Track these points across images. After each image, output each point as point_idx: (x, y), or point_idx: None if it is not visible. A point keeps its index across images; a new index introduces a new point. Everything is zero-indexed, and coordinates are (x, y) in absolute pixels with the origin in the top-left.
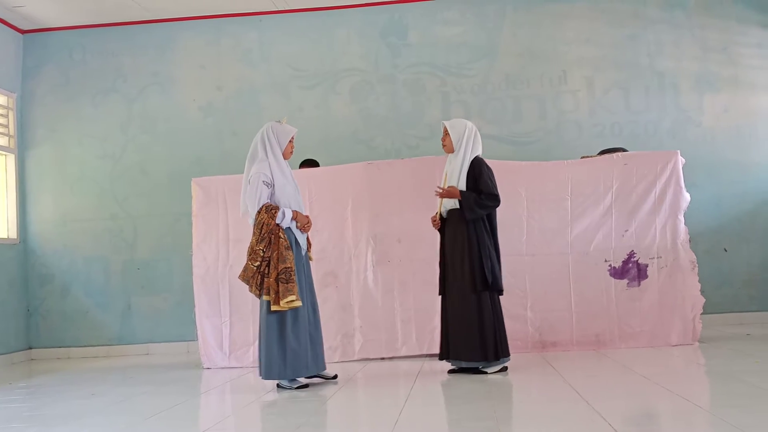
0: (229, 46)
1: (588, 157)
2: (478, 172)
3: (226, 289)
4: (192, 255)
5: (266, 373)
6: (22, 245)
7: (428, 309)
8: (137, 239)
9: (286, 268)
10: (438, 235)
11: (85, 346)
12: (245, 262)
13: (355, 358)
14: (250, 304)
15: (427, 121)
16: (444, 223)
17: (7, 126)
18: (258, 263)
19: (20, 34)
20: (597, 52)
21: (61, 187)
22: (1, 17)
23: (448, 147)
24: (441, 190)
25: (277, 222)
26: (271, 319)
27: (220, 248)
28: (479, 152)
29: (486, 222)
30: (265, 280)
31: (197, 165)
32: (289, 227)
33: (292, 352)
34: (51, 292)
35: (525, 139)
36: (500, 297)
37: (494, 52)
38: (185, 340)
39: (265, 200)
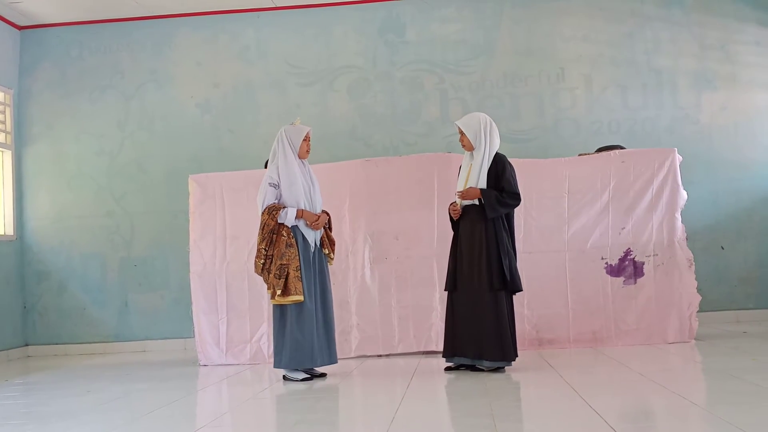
0: (227, 42)
1: (585, 154)
2: (501, 168)
3: (223, 287)
4: (189, 252)
5: (274, 362)
6: (19, 242)
7: (425, 306)
8: (134, 236)
9: (281, 264)
10: (435, 231)
11: (81, 343)
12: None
13: (352, 355)
14: (247, 302)
15: (425, 118)
16: (459, 218)
17: (4, 122)
18: (263, 261)
19: (17, 31)
20: (595, 50)
21: (58, 183)
22: None
23: (467, 146)
24: (461, 193)
25: (279, 221)
26: (276, 312)
27: (217, 245)
28: (498, 143)
29: (504, 220)
30: (269, 276)
31: (194, 162)
32: (296, 225)
33: (295, 343)
34: (48, 288)
35: (523, 136)
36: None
37: (492, 49)
38: (182, 337)
39: (269, 201)
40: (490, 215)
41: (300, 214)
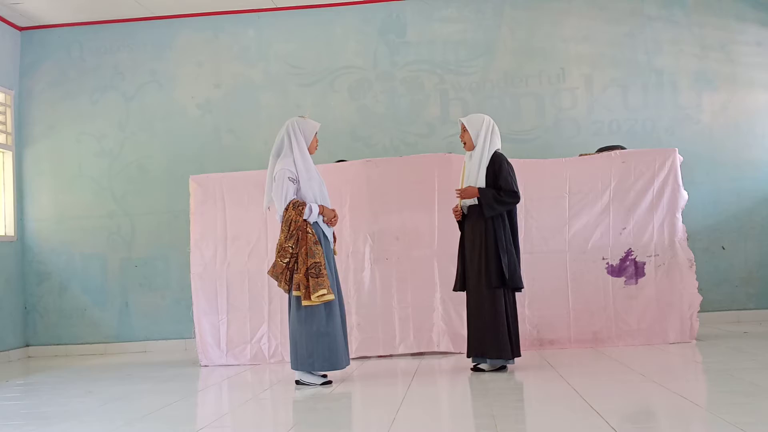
0: (227, 43)
1: (586, 154)
2: (498, 167)
3: (224, 287)
4: (190, 252)
5: (304, 365)
6: (20, 242)
7: (426, 307)
8: (135, 237)
9: (315, 262)
10: (436, 231)
11: (82, 343)
12: (274, 258)
13: (353, 355)
14: (248, 302)
15: (426, 118)
16: (464, 219)
17: (4, 123)
18: (287, 260)
19: (18, 31)
20: (595, 50)
21: (58, 184)
22: None
23: (468, 144)
24: (459, 192)
25: (304, 218)
26: (302, 314)
27: (217, 246)
28: (498, 145)
29: (505, 218)
30: (295, 275)
31: (195, 162)
32: (316, 222)
33: (326, 345)
34: (48, 289)
35: (523, 136)
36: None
37: (492, 49)
38: (183, 338)
39: (291, 197)
40: (488, 214)
41: (321, 210)
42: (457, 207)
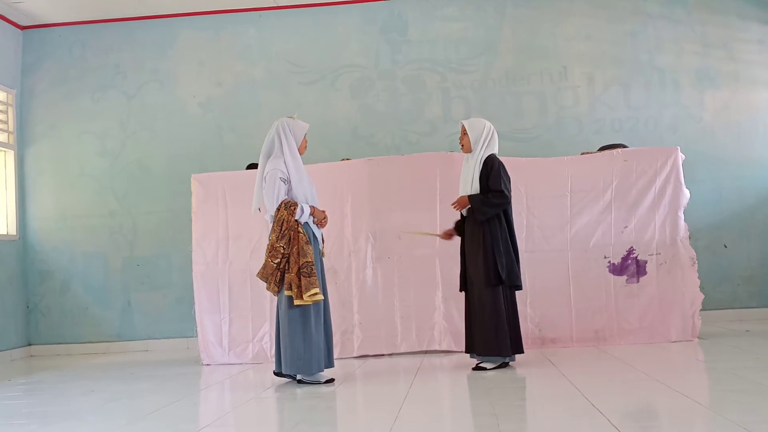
0: (229, 42)
1: (588, 153)
2: (490, 168)
3: (226, 286)
4: (192, 251)
5: (296, 368)
6: (22, 241)
7: (428, 306)
8: (137, 236)
9: (307, 262)
10: (437, 230)
11: (84, 342)
12: (264, 259)
13: (354, 354)
14: (250, 301)
15: (427, 117)
16: (464, 222)
17: (6, 122)
18: (278, 260)
19: (20, 30)
20: (597, 49)
21: (60, 183)
22: (1, 13)
23: (465, 147)
24: (454, 205)
25: (296, 218)
26: (294, 314)
27: (219, 245)
28: (494, 150)
29: (502, 219)
30: (286, 275)
31: (197, 161)
32: (307, 222)
33: (316, 345)
34: (50, 288)
35: (525, 135)
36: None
37: (494, 48)
38: (185, 337)
39: (283, 197)
40: (480, 218)
41: (312, 211)
42: (450, 231)
